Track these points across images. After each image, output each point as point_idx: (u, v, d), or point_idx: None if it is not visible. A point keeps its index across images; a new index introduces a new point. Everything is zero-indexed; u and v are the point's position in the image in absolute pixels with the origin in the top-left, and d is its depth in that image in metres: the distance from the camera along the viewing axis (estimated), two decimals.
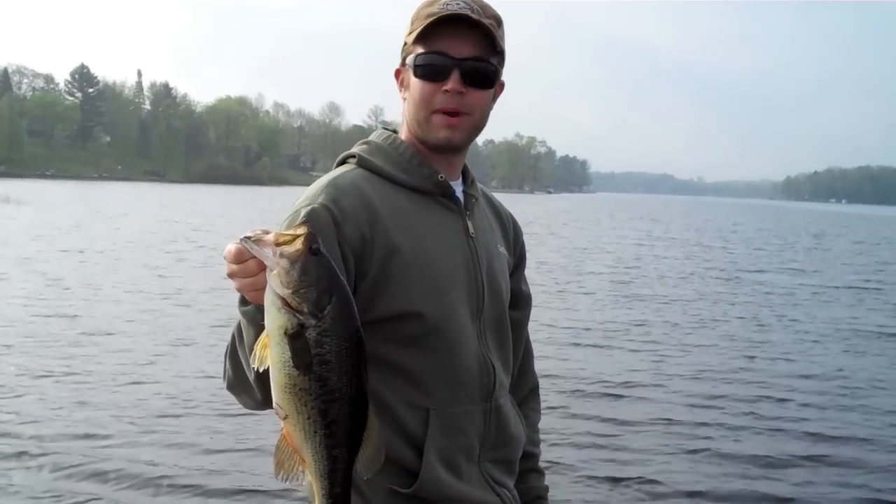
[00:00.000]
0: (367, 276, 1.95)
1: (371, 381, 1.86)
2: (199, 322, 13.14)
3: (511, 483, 2.25)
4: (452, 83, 2.00)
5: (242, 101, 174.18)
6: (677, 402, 9.29)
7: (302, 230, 1.56)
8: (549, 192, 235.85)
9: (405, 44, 2.09)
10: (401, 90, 2.14)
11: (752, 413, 8.85)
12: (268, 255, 1.54)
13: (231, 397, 1.95)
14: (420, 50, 2.04)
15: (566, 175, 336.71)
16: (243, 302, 1.70)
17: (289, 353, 1.53)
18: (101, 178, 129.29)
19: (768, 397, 9.56)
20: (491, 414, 2.14)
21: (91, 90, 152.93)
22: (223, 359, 1.90)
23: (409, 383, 1.99)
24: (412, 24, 2.07)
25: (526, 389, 2.47)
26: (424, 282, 2.00)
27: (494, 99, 2.17)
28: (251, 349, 1.63)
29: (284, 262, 1.53)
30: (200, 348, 11.20)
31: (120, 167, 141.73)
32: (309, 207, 1.94)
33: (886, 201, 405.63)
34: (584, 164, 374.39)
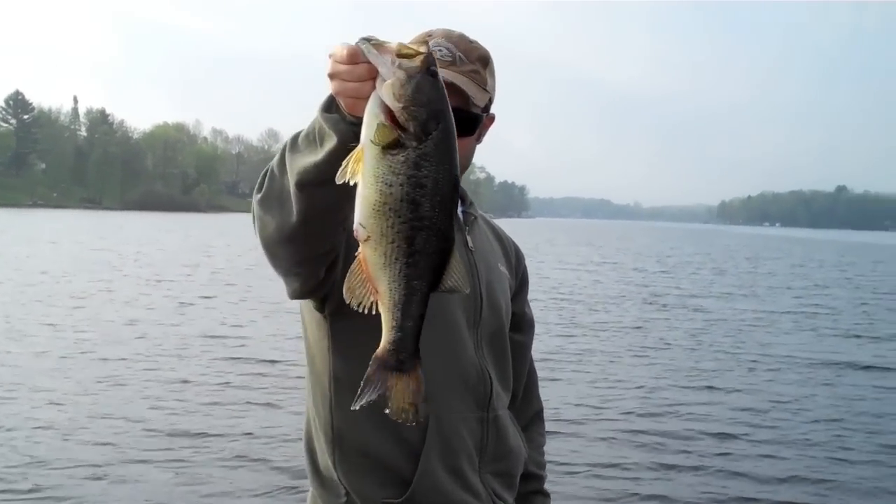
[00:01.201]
0: None
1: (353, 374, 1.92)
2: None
3: (511, 498, 2.26)
4: None
5: (180, 128, 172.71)
6: (611, 436, 8.99)
7: (424, 48, 1.49)
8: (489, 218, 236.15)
9: None
10: None
11: (685, 451, 8.57)
12: (386, 62, 1.46)
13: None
14: None
15: (505, 201, 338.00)
16: (328, 108, 1.61)
17: (385, 169, 1.46)
18: (35, 205, 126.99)
19: (706, 433, 9.27)
20: (488, 424, 2.16)
21: (26, 117, 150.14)
22: (263, 179, 1.82)
23: None
24: None
25: (531, 413, 2.50)
26: None
27: (481, 135, 2.22)
28: (328, 156, 1.58)
29: (401, 74, 1.46)
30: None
31: (55, 194, 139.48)
32: None
33: (819, 224, 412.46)
34: (522, 189, 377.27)
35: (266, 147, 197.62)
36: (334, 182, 1.51)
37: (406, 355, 1.59)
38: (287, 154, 1.70)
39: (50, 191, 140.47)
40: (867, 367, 13.78)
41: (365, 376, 1.59)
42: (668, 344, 15.63)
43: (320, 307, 2.05)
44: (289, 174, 1.69)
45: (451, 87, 1.96)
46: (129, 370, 11.43)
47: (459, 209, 2.23)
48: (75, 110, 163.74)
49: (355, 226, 1.50)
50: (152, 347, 13.18)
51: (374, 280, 1.53)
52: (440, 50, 2.03)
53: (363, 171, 1.47)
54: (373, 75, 1.47)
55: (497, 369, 2.23)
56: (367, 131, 1.46)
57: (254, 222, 1.84)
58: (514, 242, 2.52)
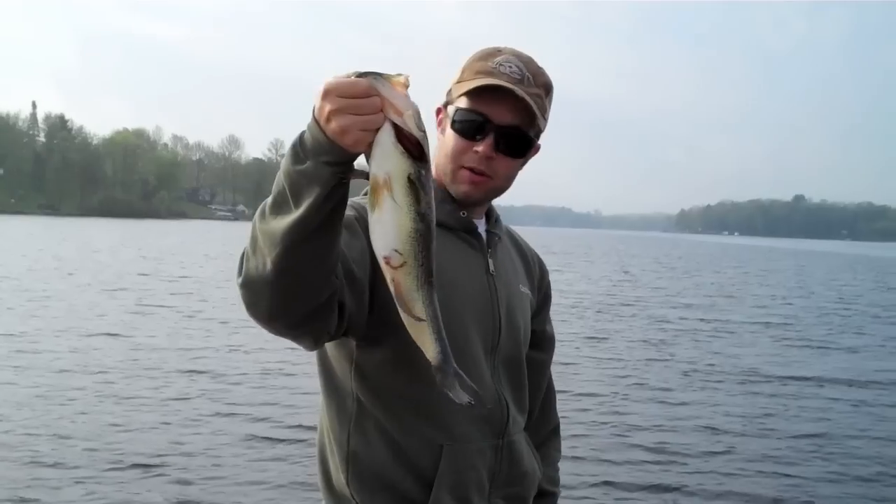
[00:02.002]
0: (381, 303, 1.89)
1: (383, 416, 2.02)
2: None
3: None
4: (484, 147, 2.02)
5: (140, 134, 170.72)
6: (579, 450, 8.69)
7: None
8: None
9: (450, 89, 2.10)
10: (437, 130, 2.14)
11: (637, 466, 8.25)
12: (400, 95, 1.51)
13: None
14: (462, 104, 2.04)
15: None
16: (296, 161, 1.57)
17: (414, 197, 1.52)
18: None
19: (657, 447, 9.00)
20: (503, 450, 2.14)
21: None
22: (240, 261, 1.74)
23: (422, 418, 1.98)
24: (463, 71, 2.08)
25: (548, 429, 2.49)
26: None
27: (525, 162, 2.16)
28: (311, 209, 1.56)
29: (417, 106, 1.52)
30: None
31: (13, 200, 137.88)
32: None
33: (776, 233, 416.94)
34: None
35: (227, 154, 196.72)
36: (322, 230, 1.59)
37: (452, 359, 1.68)
38: (259, 228, 1.66)
39: (8, 197, 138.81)
40: (829, 380, 13.70)
41: (441, 386, 1.68)
42: (621, 355, 15.16)
43: (348, 339, 2.01)
44: (269, 245, 1.63)
45: (522, 104, 1.99)
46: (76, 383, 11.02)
47: (483, 228, 2.23)
48: (34, 116, 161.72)
49: (387, 253, 1.56)
50: (97, 359, 12.70)
51: (408, 302, 1.61)
52: (510, 66, 2.02)
53: (396, 201, 1.53)
54: (382, 107, 1.50)
55: (514, 394, 2.21)
56: (389, 162, 1.52)
57: (245, 306, 1.75)
58: (538, 257, 2.49)
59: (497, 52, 2.07)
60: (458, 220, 2.13)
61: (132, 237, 62.04)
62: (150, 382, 11.10)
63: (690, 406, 11.14)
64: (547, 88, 2.09)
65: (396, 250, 1.56)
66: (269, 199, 1.65)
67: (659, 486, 7.67)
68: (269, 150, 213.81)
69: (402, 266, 1.57)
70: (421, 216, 1.54)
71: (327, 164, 1.54)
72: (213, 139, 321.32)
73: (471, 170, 2.05)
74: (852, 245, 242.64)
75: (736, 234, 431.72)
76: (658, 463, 8.41)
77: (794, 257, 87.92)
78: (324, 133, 1.52)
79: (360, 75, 1.50)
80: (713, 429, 9.88)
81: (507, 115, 2.00)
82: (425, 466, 2.01)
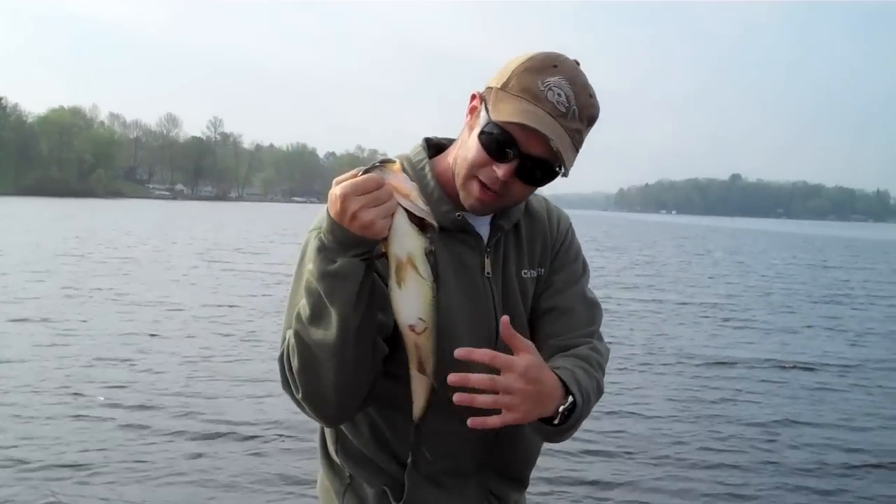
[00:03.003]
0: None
1: (368, 414, 2.08)
2: None
3: (517, 494, 2.29)
4: (504, 171, 1.91)
5: (76, 112, 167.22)
6: None
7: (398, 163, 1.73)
8: None
9: (491, 88, 1.96)
10: (467, 117, 2.03)
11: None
12: (403, 178, 1.68)
13: None
14: (497, 117, 1.89)
15: None
16: (327, 261, 1.71)
17: (429, 269, 1.70)
18: None
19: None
20: (491, 439, 2.12)
21: None
22: (288, 376, 1.86)
23: (400, 403, 1.95)
24: (510, 77, 1.92)
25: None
26: None
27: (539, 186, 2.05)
28: (348, 305, 1.70)
29: (416, 184, 1.72)
30: None
31: None
32: None
33: (713, 212, 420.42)
34: None
35: (165, 132, 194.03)
36: (369, 318, 1.77)
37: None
38: (312, 343, 1.78)
39: None
40: (768, 362, 13.68)
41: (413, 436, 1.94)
42: None
43: None
44: (327, 355, 1.77)
45: (551, 143, 1.85)
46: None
47: (487, 223, 2.14)
48: None
49: (413, 322, 1.74)
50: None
51: (425, 362, 1.80)
52: (559, 93, 1.87)
53: (422, 275, 1.71)
54: (392, 193, 1.67)
55: None
56: (410, 242, 1.70)
57: (310, 414, 1.90)
58: (558, 216, 2.33)
59: (553, 67, 1.91)
60: (454, 221, 2.06)
61: (66, 216, 60.67)
62: (66, 372, 10.72)
63: (627, 391, 10.98)
64: (591, 121, 1.97)
65: (421, 318, 1.73)
66: (307, 311, 1.78)
67: (588, 480, 7.50)
68: (209, 128, 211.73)
69: (424, 331, 1.74)
70: (437, 282, 1.73)
71: (356, 256, 1.70)
72: (150, 117, 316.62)
73: (483, 185, 1.96)
74: (787, 223, 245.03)
75: (674, 212, 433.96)
76: (589, 453, 8.20)
77: (731, 235, 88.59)
78: (348, 231, 1.68)
79: (366, 171, 1.67)
80: (647, 416, 9.78)
81: (538, 147, 1.89)
82: (402, 452, 2.06)
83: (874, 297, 25.86)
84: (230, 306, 17.35)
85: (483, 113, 1.95)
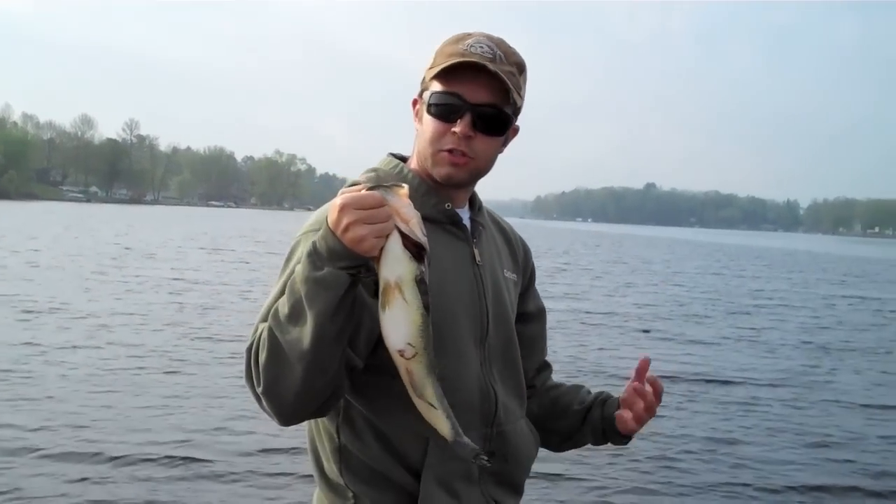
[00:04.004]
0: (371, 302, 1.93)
1: (370, 410, 2.05)
2: None
3: (515, 502, 2.30)
4: (462, 127, 2.03)
5: None
6: None
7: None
8: (310, 210, 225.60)
9: (424, 77, 2.12)
10: (415, 120, 2.17)
11: None
12: (406, 203, 1.70)
13: None
14: (437, 88, 2.07)
15: (327, 193, 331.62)
16: (315, 267, 1.73)
17: (420, 295, 1.70)
18: None
19: None
20: (493, 440, 2.17)
21: None
22: (252, 367, 1.88)
23: (410, 411, 1.93)
24: (435, 58, 2.10)
25: (550, 374, 2.58)
26: None
27: (506, 143, 2.21)
28: (325, 315, 1.71)
29: (419, 213, 1.71)
30: None
31: None
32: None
33: (628, 220, 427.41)
34: (343, 181, 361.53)
35: (79, 133, 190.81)
36: (345, 331, 1.77)
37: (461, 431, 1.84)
38: (283, 339, 1.79)
39: None
40: (691, 376, 13.78)
41: (456, 454, 1.86)
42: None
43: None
44: (297, 354, 1.77)
45: (496, 79, 2.01)
46: None
47: (467, 217, 2.26)
48: None
49: (401, 347, 1.73)
50: None
51: (420, 388, 1.78)
52: (481, 46, 2.04)
53: (407, 300, 1.70)
54: (391, 215, 1.68)
55: (506, 383, 2.25)
56: (400, 267, 1.70)
57: (267, 411, 1.91)
58: (521, 239, 2.54)
59: (467, 35, 2.09)
60: (443, 212, 2.17)
61: None
62: None
63: None
64: (520, 67, 2.12)
65: (410, 343, 1.72)
66: (285, 310, 1.78)
67: None
68: (124, 130, 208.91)
69: (414, 357, 1.74)
70: (427, 309, 1.71)
71: (343, 268, 1.70)
72: (65, 118, 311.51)
73: (450, 151, 2.07)
74: (700, 232, 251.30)
75: (589, 220, 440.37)
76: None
77: (646, 244, 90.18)
78: (340, 242, 1.69)
79: (371, 188, 1.69)
80: None
81: (482, 93, 2.03)
82: (413, 458, 2.05)
83: (791, 307, 26.23)
84: (131, 314, 16.78)
85: (425, 95, 2.10)
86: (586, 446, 2.51)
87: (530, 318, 2.48)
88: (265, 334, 1.82)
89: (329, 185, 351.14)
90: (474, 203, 2.31)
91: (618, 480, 7.90)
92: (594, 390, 2.48)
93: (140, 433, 8.51)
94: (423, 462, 2.05)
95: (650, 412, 2.28)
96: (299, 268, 1.76)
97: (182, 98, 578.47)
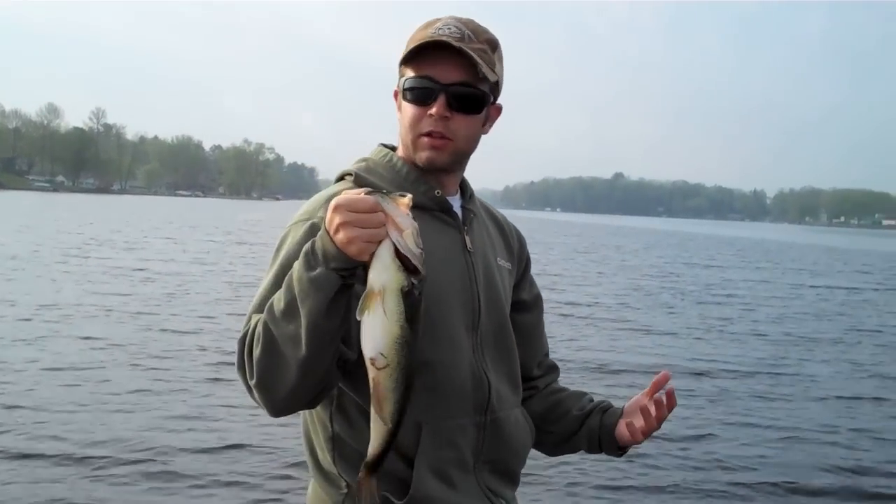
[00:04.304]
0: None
1: (362, 399, 2.00)
2: None
3: (510, 493, 2.31)
4: (437, 108, 2.05)
5: None
6: None
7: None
8: (278, 199, 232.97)
9: (399, 67, 2.15)
10: (397, 111, 2.18)
11: None
12: (402, 213, 1.68)
13: None
14: (409, 73, 2.10)
15: (295, 182, 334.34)
16: (308, 267, 1.75)
17: (404, 308, 1.68)
18: None
19: None
20: (486, 427, 2.17)
21: None
22: (245, 358, 1.89)
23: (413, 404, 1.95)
24: (406, 45, 2.10)
25: (555, 378, 2.58)
26: None
27: (487, 122, 2.22)
28: (317, 314, 1.73)
29: (417, 225, 1.70)
30: None
31: None
32: (308, 223, 2.02)
33: (597, 209, 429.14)
34: (312, 171, 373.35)
35: (45, 122, 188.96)
36: (337, 328, 1.78)
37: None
38: (277, 333, 1.81)
39: None
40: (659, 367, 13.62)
41: (358, 482, 1.86)
42: None
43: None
44: (292, 349, 1.79)
45: (460, 55, 2.04)
46: None
47: (458, 205, 2.27)
48: None
49: (373, 355, 1.71)
50: None
51: (382, 401, 1.75)
52: (449, 28, 2.06)
53: (386, 309, 1.68)
54: (385, 222, 1.68)
55: (499, 370, 2.25)
56: (386, 274, 1.68)
57: (260, 403, 1.93)
58: (514, 228, 2.55)
59: (436, 20, 2.12)
60: (433, 199, 2.17)
61: None
62: None
63: None
64: (492, 44, 2.13)
65: (382, 354, 1.70)
66: (281, 304, 1.79)
67: None
68: (91, 118, 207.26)
69: (384, 368, 1.71)
70: (411, 324, 1.70)
71: (334, 269, 1.72)
72: (30, 107, 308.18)
73: (429, 135, 2.09)
74: (668, 221, 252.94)
75: (558, 209, 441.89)
76: None
77: (615, 233, 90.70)
78: (333, 242, 1.71)
79: (369, 193, 1.69)
80: None
81: (452, 72, 2.06)
82: (406, 445, 2.03)
83: (761, 297, 26.25)
84: (93, 305, 16.50)
85: (399, 83, 2.13)
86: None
87: (526, 306, 2.48)
88: (260, 328, 1.84)
89: (298, 175, 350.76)
90: (465, 191, 2.33)
91: (588, 476, 7.76)
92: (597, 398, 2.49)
93: (100, 431, 8.28)
94: (417, 450, 2.05)
95: (656, 425, 2.28)
96: (296, 265, 1.78)
97: (150, 86, 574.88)
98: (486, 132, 2.23)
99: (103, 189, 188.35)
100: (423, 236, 1.87)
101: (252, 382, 1.87)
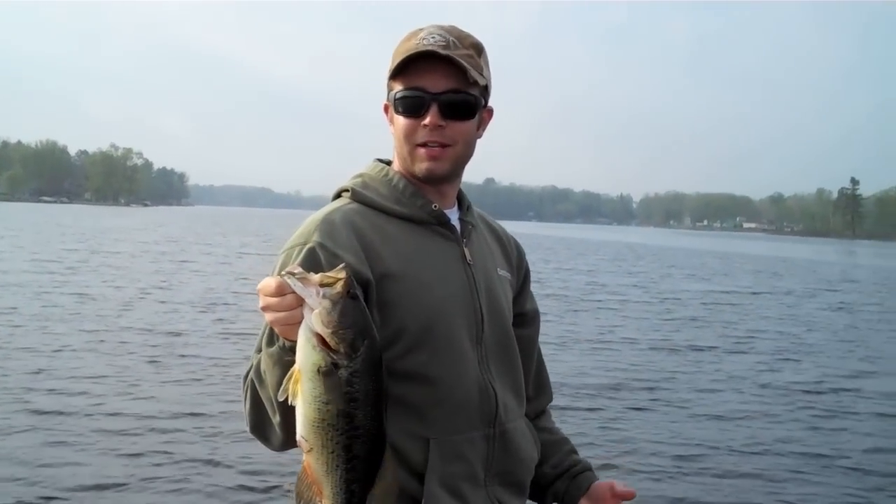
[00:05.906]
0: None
1: None
2: None
3: None
4: (431, 118, 2.05)
5: None
6: None
7: (342, 274, 1.64)
8: (146, 205, 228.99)
9: (387, 81, 2.13)
10: (389, 126, 2.17)
11: None
12: (311, 293, 1.62)
13: None
14: (399, 87, 2.09)
15: (164, 188, 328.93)
16: (269, 342, 1.78)
17: (321, 390, 1.61)
18: None
19: None
20: (495, 439, 2.15)
21: None
22: (244, 403, 1.96)
23: (409, 414, 2.00)
24: (392, 59, 2.09)
25: (546, 402, 2.57)
26: (421, 311, 2.03)
27: (481, 126, 2.22)
28: (276, 388, 1.70)
29: (326, 303, 1.61)
30: None
31: None
32: (305, 247, 1.98)
33: (508, 216, 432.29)
34: (182, 176, 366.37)
35: None
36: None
37: None
38: (262, 394, 1.87)
39: None
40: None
41: None
42: None
43: None
44: (266, 406, 1.87)
45: (448, 63, 2.03)
46: None
47: (456, 218, 2.25)
48: None
49: (298, 438, 1.66)
50: None
51: (319, 484, 1.67)
52: (434, 37, 2.06)
53: (301, 392, 1.63)
54: (300, 302, 1.62)
55: (505, 381, 2.23)
56: (302, 357, 1.62)
57: (259, 439, 1.99)
58: (514, 239, 2.54)
59: (419, 30, 2.12)
60: (431, 213, 2.16)
61: None
62: None
63: None
64: (477, 48, 2.14)
65: (304, 437, 1.65)
66: (259, 368, 1.84)
67: None
68: None
69: (310, 451, 1.65)
70: (331, 406, 1.61)
71: (288, 348, 1.71)
72: None
73: (425, 145, 2.09)
74: (539, 225, 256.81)
75: None
76: None
77: None
78: None
79: (282, 273, 1.64)
80: None
81: (442, 81, 2.05)
82: (416, 460, 2.02)
83: (631, 302, 26.34)
84: None
85: (390, 96, 2.12)
86: None
87: (526, 321, 2.47)
88: (248, 383, 1.91)
89: (167, 180, 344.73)
90: (463, 202, 2.32)
91: None
92: (575, 454, 2.47)
93: None
94: (426, 464, 2.02)
95: None
96: (267, 332, 1.81)
97: (11, 90, 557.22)
98: (480, 136, 2.23)
99: None
100: (422, 251, 2.02)
101: (247, 429, 1.97)
